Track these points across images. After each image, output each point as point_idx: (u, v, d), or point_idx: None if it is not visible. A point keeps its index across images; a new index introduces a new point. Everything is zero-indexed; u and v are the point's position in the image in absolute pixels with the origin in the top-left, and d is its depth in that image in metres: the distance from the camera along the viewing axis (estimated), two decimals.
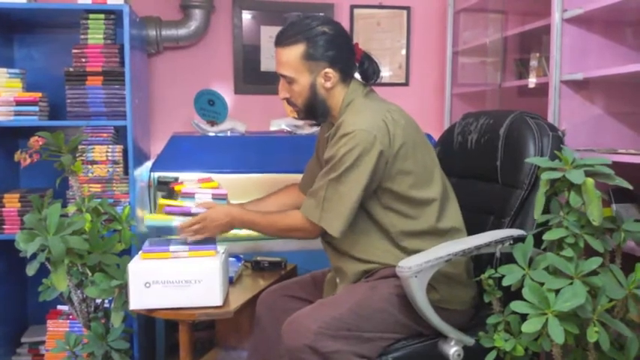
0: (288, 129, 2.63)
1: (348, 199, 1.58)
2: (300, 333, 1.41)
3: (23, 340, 2.47)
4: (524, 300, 1.34)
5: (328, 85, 1.67)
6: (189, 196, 1.85)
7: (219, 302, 1.78)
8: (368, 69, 1.74)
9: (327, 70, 1.66)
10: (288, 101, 1.74)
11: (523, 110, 1.80)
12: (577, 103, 2.04)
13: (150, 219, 1.81)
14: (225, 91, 2.78)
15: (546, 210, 1.51)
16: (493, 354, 1.50)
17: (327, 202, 1.60)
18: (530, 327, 1.30)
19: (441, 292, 1.59)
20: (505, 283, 1.46)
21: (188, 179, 2.01)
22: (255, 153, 2.52)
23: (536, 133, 1.69)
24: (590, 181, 1.39)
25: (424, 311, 1.49)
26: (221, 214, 1.70)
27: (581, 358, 1.45)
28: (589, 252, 1.41)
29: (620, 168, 1.49)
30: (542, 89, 2.14)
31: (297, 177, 2.02)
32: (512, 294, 1.42)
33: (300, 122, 2.62)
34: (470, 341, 1.55)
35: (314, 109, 1.70)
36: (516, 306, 1.35)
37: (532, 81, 2.41)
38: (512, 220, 1.69)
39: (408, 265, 1.45)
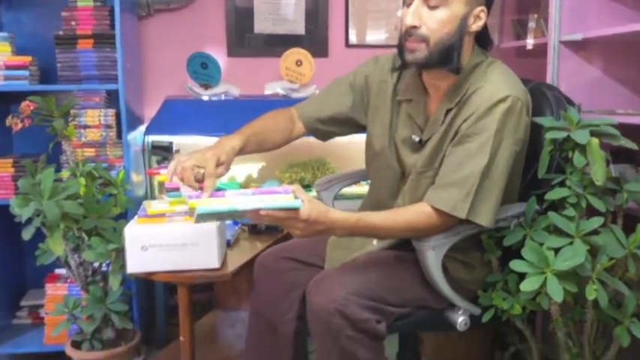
0: (283, 92, 2.60)
1: (501, 184, 1.40)
2: (330, 296, 1.37)
3: (23, 303, 2.48)
4: (524, 259, 1.34)
5: (474, 27, 1.42)
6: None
7: (216, 265, 1.78)
8: (487, 34, 1.52)
9: (482, 9, 1.42)
10: (413, 32, 1.40)
11: (540, 81, 1.74)
12: (576, 64, 2.02)
13: (202, 205, 1.26)
14: (219, 54, 2.73)
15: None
16: (490, 312, 1.51)
17: (478, 194, 1.37)
18: (528, 286, 1.31)
19: (455, 271, 1.54)
20: (506, 243, 1.46)
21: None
22: (249, 116, 2.46)
23: (554, 106, 1.60)
24: (595, 141, 1.39)
25: (438, 284, 1.47)
26: (328, 219, 1.30)
27: (578, 316, 1.47)
28: (590, 214, 1.41)
29: (618, 129, 1.48)
30: (541, 50, 2.12)
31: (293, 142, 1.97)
32: (512, 254, 1.43)
33: (296, 85, 2.59)
34: (477, 311, 1.54)
35: (446, 51, 1.40)
36: (515, 265, 1.35)
37: (530, 42, 2.39)
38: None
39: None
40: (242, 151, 1.51)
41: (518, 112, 1.40)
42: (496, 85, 1.41)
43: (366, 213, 1.39)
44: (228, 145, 1.46)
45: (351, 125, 1.69)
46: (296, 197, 1.26)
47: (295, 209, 1.24)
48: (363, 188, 2.20)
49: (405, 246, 1.52)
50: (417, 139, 1.52)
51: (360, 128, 1.69)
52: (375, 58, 1.67)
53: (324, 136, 1.72)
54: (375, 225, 1.37)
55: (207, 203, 1.27)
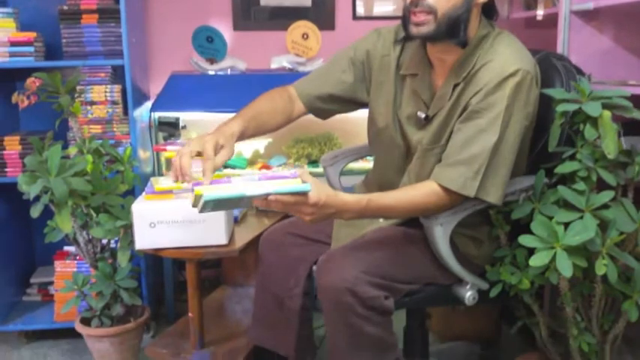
0: (290, 66, 2.57)
1: (510, 160, 1.38)
2: (340, 275, 1.36)
3: (32, 280, 2.50)
4: (533, 234, 1.33)
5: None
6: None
7: (224, 241, 1.79)
8: (494, 5, 1.47)
9: None
10: (420, 3, 1.36)
11: (549, 50, 1.70)
12: (587, 35, 1.97)
13: (209, 192, 1.20)
14: (224, 28, 2.71)
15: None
16: (498, 287, 1.51)
17: (488, 171, 1.35)
18: (537, 261, 1.30)
19: (464, 246, 1.53)
20: (514, 216, 1.45)
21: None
22: (256, 91, 2.44)
23: (564, 77, 1.56)
24: (607, 113, 1.35)
25: (447, 260, 1.46)
26: (338, 202, 1.28)
27: (587, 291, 1.46)
28: (600, 188, 1.39)
29: (630, 100, 1.45)
30: (551, 20, 2.07)
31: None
32: (521, 229, 1.41)
33: (302, 59, 2.56)
34: (485, 285, 1.54)
35: (454, 24, 1.36)
36: (525, 240, 1.34)
37: (540, 13, 2.34)
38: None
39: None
40: (242, 136, 1.45)
41: (528, 86, 1.37)
42: (505, 59, 1.38)
43: (375, 195, 1.36)
44: (227, 130, 1.41)
45: (352, 103, 1.64)
46: (304, 181, 1.23)
47: (305, 193, 1.21)
48: (369, 164, 2.18)
49: (412, 222, 1.51)
50: (423, 115, 1.49)
51: (361, 105, 1.65)
52: (376, 31, 1.62)
53: (325, 114, 1.66)
54: (386, 206, 1.35)
55: (212, 190, 1.21)
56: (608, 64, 1.99)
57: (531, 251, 1.33)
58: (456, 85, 1.43)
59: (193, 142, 1.36)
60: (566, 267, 1.27)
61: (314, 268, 1.62)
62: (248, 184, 1.22)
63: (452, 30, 1.37)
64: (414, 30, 1.39)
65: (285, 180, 1.24)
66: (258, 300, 1.72)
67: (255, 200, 1.21)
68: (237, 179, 1.27)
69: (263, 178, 1.24)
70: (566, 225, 1.32)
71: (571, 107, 1.39)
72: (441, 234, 1.43)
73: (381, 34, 1.60)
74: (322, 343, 2.00)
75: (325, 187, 1.27)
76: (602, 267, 1.31)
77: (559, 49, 1.95)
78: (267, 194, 1.20)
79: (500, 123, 1.35)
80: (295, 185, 1.21)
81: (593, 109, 1.36)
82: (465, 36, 1.39)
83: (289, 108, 1.58)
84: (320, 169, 1.93)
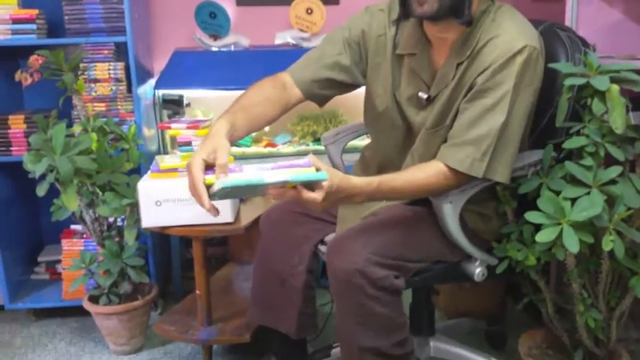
0: (294, 42, 2.54)
1: (517, 138, 1.37)
2: (350, 257, 1.36)
3: (40, 259, 2.52)
4: (540, 211, 1.32)
5: None
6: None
7: (230, 219, 1.79)
8: None
9: None
10: None
11: (553, 21, 1.65)
12: (596, 8, 1.94)
13: (224, 180, 1.17)
14: (227, 3, 2.67)
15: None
16: (505, 263, 1.51)
17: (495, 151, 1.34)
18: (544, 237, 1.29)
19: (473, 223, 1.52)
20: (521, 191, 1.44)
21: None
22: (260, 68, 2.44)
23: (569, 48, 1.52)
24: (615, 87, 1.33)
25: (456, 237, 1.46)
26: (349, 187, 1.26)
27: (594, 267, 1.46)
28: (607, 163, 1.38)
29: (638, 73, 1.43)
30: None
31: None
32: (528, 204, 1.40)
33: (306, 34, 2.53)
34: (494, 261, 1.53)
35: (458, 2, 1.33)
36: (531, 216, 1.34)
37: None
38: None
39: None
40: (233, 132, 1.34)
41: (535, 62, 1.35)
42: (511, 35, 1.34)
43: (385, 178, 1.33)
44: (213, 135, 1.29)
45: (348, 86, 1.57)
46: (317, 169, 1.21)
47: (322, 181, 1.19)
48: None
49: (420, 200, 1.49)
50: (425, 96, 1.46)
51: (356, 88, 1.60)
52: (367, 9, 1.55)
53: (323, 100, 1.59)
54: (395, 189, 1.34)
55: (228, 178, 1.18)
56: (617, 37, 1.96)
57: (538, 227, 1.32)
58: (459, 64, 1.40)
59: (195, 162, 1.22)
60: (572, 243, 1.27)
61: (319, 247, 1.63)
62: (263, 172, 1.19)
63: (456, 9, 1.33)
64: (417, 10, 1.34)
65: (300, 169, 1.21)
66: (257, 278, 1.71)
67: (270, 189, 1.19)
68: (249, 167, 1.23)
69: (276, 168, 1.21)
70: (573, 201, 1.31)
71: (579, 81, 1.37)
72: (450, 211, 1.42)
73: (373, 12, 1.54)
74: (326, 322, 2.01)
75: (336, 171, 1.24)
76: (609, 243, 1.30)
77: (567, 23, 1.92)
78: (285, 182, 1.18)
79: (508, 102, 1.32)
80: (311, 173, 1.20)
81: (601, 83, 1.34)
82: (469, 14, 1.35)
83: (284, 97, 1.49)
84: (322, 147, 1.92)
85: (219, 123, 1.33)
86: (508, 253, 1.49)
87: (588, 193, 1.32)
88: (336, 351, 1.83)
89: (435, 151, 1.41)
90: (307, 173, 1.20)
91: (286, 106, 1.51)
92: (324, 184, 1.19)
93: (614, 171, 1.33)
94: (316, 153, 1.95)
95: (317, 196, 1.20)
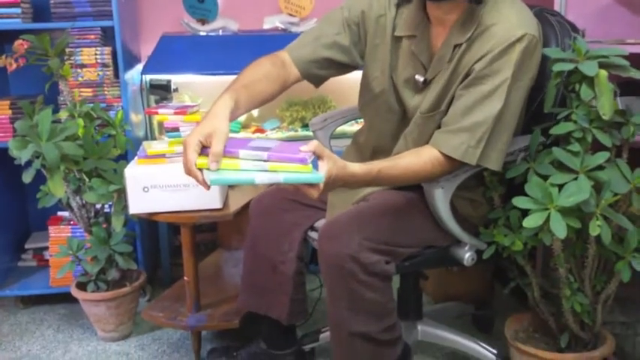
0: (283, 26, 2.53)
1: (512, 125, 1.37)
2: (343, 242, 1.36)
3: (27, 246, 2.50)
4: (527, 196, 1.33)
5: None
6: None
7: (218, 205, 1.78)
8: None
9: None
10: None
11: (542, 5, 1.65)
12: None
13: (216, 175, 1.16)
14: None
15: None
16: (492, 249, 1.51)
17: (490, 139, 1.34)
18: (531, 222, 1.30)
19: (462, 209, 1.53)
20: (509, 175, 1.44)
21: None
22: (249, 52, 2.40)
23: (558, 33, 1.52)
24: (604, 73, 1.33)
25: (447, 222, 1.46)
26: (347, 175, 1.24)
27: (580, 252, 1.47)
28: (595, 149, 1.38)
29: (627, 59, 1.42)
30: None
31: None
32: (515, 190, 1.41)
33: (295, 19, 2.51)
34: (483, 246, 1.54)
35: None
36: (518, 201, 1.34)
37: None
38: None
39: None
40: (236, 109, 1.31)
41: (533, 51, 1.35)
42: (511, 23, 1.34)
43: (384, 165, 1.32)
44: (217, 111, 1.27)
45: (346, 67, 1.55)
46: (317, 158, 1.17)
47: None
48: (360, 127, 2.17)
49: (411, 185, 1.48)
50: (422, 79, 1.45)
51: (354, 69, 1.58)
52: None
53: (320, 80, 1.57)
54: (393, 176, 1.33)
55: (221, 174, 1.16)
56: (606, 22, 1.95)
57: (525, 213, 1.33)
58: (456, 46, 1.39)
59: (192, 140, 1.20)
60: (560, 228, 1.27)
61: (309, 233, 1.63)
62: (257, 164, 1.16)
63: None
64: None
65: (296, 165, 1.15)
66: (247, 265, 1.72)
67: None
68: (244, 152, 1.17)
69: (273, 156, 1.16)
70: (561, 186, 1.31)
71: (567, 67, 1.37)
72: (441, 197, 1.43)
73: None
74: (314, 307, 2.01)
75: (336, 160, 1.21)
76: (596, 228, 1.31)
77: (556, 7, 1.91)
78: (278, 183, 1.16)
79: (505, 90, 1.32)
80: (307, 175, 1.15)
81: (589, 68, 1.34)
82: None
83: (283, 74, 1.47)
84: (311, 133, 1.92)
85: (222, 100, 1.29)
86: (495, 239, 1.49)
87: (576, 179, 1.33)
88: (324, 335, 1.84)
89: (429, 136, 1.40)
90: (302, 175, 1.15)
91: (285, 84, 1.48)
92: (321, 184, 1.17)
93: (602, 157, 1.34)
94: (305, 139, 1.94)
95: (314, 192, 1.19)
